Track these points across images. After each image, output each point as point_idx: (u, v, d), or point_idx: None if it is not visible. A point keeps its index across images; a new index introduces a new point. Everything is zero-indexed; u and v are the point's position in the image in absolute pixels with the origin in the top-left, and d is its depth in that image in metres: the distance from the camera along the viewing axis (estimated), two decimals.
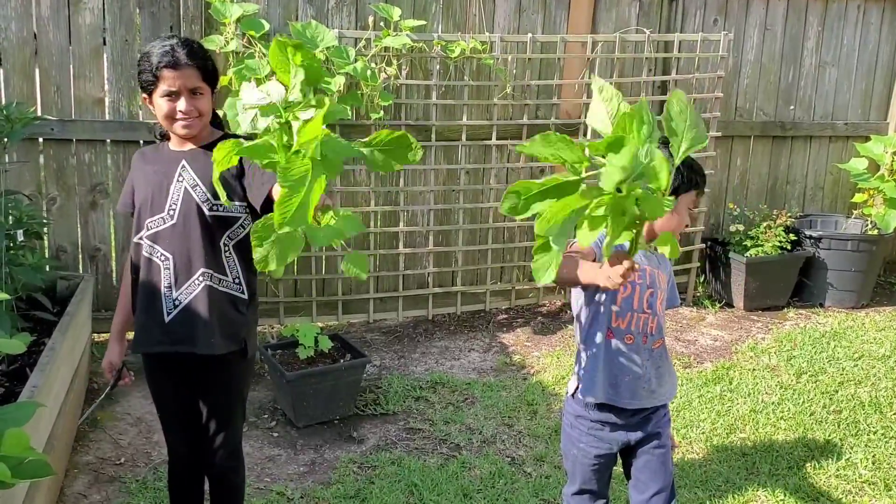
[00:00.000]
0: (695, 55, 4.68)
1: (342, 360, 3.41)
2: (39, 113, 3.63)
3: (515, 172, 4.58)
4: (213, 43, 3.58)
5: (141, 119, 3.84)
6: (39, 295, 3.18)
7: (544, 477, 2.97)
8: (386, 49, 3.98)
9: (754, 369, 4.00)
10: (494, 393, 3.64)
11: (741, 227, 4.94)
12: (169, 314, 2.03)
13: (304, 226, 1.31)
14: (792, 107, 5.34)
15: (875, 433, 3.37)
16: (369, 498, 2.79)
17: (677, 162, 1.32)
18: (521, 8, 4.44)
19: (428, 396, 3.60)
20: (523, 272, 4.75)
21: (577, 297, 2.09)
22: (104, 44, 3.77)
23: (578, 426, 2.10)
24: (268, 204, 1.90)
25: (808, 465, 3.11)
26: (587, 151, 1.27)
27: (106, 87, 3.81)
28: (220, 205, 2.01)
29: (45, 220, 3.61)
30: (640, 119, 1.23)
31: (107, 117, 3.82)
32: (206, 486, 2.32)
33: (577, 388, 2.07)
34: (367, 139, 1.40)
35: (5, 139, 3.02)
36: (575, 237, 1.28)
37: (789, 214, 5.07)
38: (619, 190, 1.22)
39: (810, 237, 5.01)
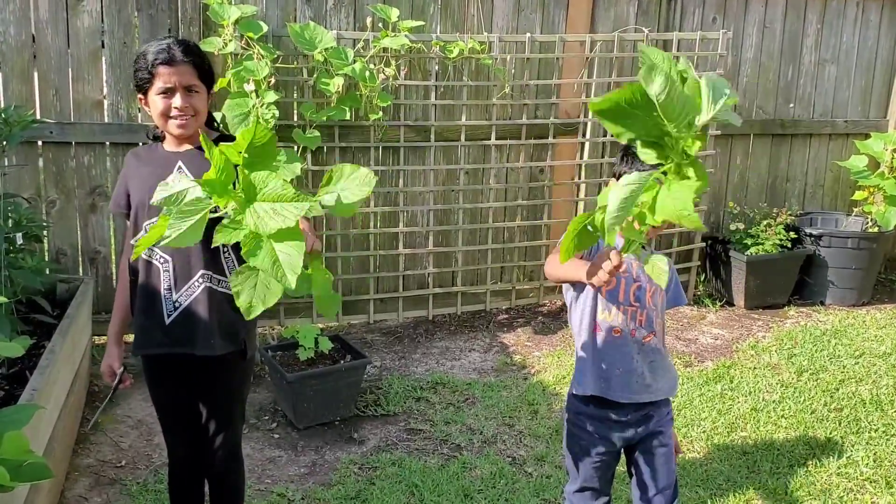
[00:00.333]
0: (694, 54, 4.68)
1: (342, 361, 3.41)
2: (38, 116, 3.63)
3: (515, 172, 4.58)
4: (211, 45, 3.58)
5: (140, 122, 3.83)
6: (39, 298, 3.17)
7: (545, 477, 2.97)
8: (384, 50, 3.98)
9: (755, 368, 4.00)
10: (495, 393, 3.64)
11: (741, 226, 4.94)
12: (169, 316, 2.03)
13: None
14: (791, 105, 5.34)
15: (876, 431, 3.36)
16: (370, 499, 2.79)
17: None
18: (519, 8, 4.44)
19: (428, 397, 3.60)
20: (523, 272, 4.75)
21: (566, 292, 2.11)
22: (103, 46, 3.77)
23: (579, 423, 2.10)
24: None
25: (809, 463, 3.11)
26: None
27: (105, 89, 3.81)
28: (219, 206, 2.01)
29: (44, 224, 3.61)
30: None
31: (106, 120, 3.82)
32: (207, 488, 2.32)
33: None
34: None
35: (4, 142, 3.02)
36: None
37: (789, 212, 5.07)
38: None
39: (811, 235, 5.01)
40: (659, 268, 1.42)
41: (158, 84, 1.97)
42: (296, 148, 3.82)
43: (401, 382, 3.72)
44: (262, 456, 3.09)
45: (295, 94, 3.97)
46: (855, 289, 5.02)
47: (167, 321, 2.03)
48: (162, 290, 2.03)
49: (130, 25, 3.78)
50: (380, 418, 3.41)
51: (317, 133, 3.82)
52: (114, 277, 4.02)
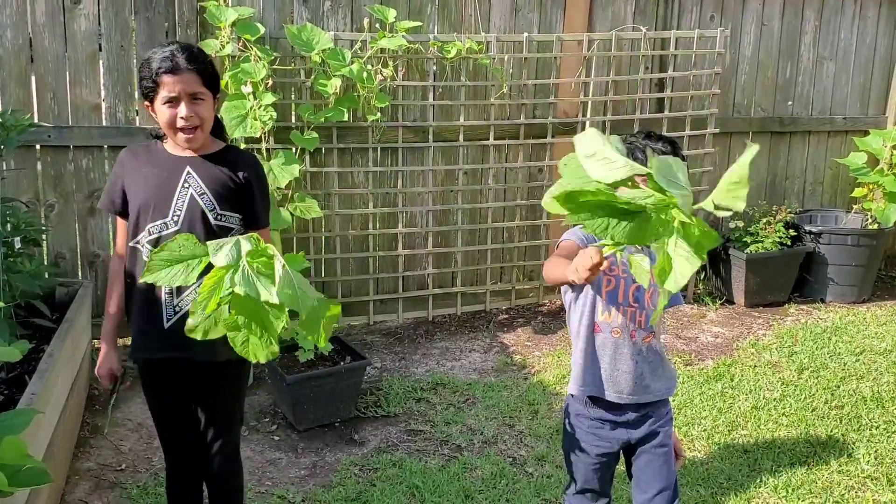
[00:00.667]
0: (692, 52, 4.68)
1: (342, 363, 3.41)
2: (36, 120, 3.62)
3: (513, 172, 4.57)
4: (208, 47, 3.57)
5: (138, 124, 3.83)
6: (38, 302, 3.17)
7: (546, 477, 2.96)
8: (382, 51, 3.98)
9: (755, 366, 3.99)
10: (495, 393, 3.64)
11: (741, 224, 4.93)
12: (169, 320, 2.03)
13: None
14: (790, 102, 5.33)
15: (877, 428, 3.36)
16: (371, 500, 2.79)
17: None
18: (516, 7, 4.43)
19: (429, 398, 3.60)
20: (523, 272, 4.74)
21: (565, 294, 2.11)
22: (100, 50, 3.77)
23: (578, 425, 2.10)
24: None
25: (810, 461, 3.11)
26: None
27: (102, 92, 3.81)
28: (225, 214, 2.03)
29: (43, 227, 3.61)
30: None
31: (104, 123, 3.81)
32: (206, 491, 2.31)
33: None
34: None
35: (2, 146, 3.02)
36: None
37: (789, 210, 5.07)
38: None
39: (810, 232, 5.00)
40: (641, 266, 1.41)
41: (163, 93, 1.97)
42: (294, 150, 3.82)
43: (401, 383, 3.71)
44: (263, 458, 3.09)
45: (293, 96, 3.97)
46: (855, 286, 5.01)
47: (166, 325, 2.03)
48: (163, 294, 2.02)
49: (128, 28, 3.78)
50: (380, 419, 3.41)
51: (315, 134, 3.82)
52: None
